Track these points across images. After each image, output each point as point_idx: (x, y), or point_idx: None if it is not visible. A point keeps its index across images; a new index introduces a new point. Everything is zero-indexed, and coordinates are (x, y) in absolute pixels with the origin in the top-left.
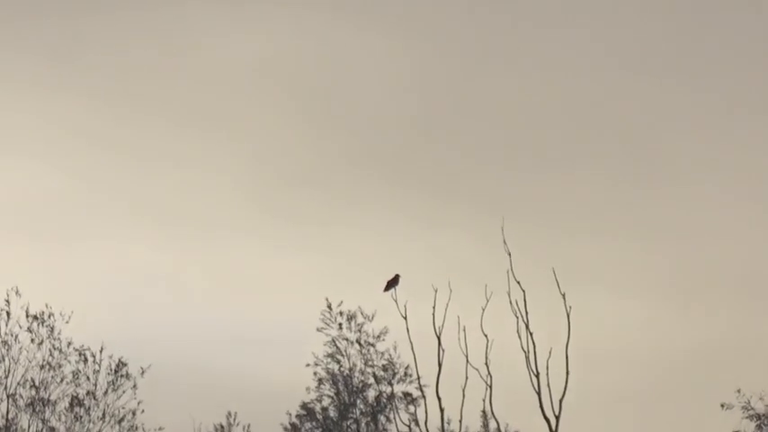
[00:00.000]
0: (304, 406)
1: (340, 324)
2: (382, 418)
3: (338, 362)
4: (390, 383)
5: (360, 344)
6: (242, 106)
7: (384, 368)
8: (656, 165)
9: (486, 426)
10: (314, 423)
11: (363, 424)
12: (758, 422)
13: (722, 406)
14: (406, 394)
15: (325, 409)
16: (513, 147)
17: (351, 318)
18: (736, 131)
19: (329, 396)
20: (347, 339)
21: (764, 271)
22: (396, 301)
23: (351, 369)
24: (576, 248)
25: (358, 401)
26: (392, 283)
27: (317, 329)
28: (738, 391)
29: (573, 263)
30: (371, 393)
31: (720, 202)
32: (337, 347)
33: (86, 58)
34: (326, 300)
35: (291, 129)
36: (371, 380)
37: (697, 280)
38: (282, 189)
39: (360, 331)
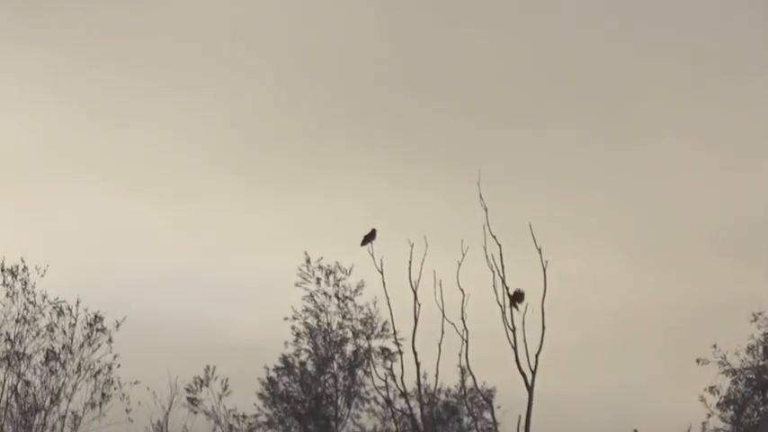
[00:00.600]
0: (283, 359)
1: (318, 279)
2: (360, 373)
3: (316, 316)
4: (368, 338)
5: (338, 298)
6: (213, 67)
7: (362, 322)
8: (627, 121)
9: (463, 381)
10: (291, 377)
11: (341, 378)
12: (734, 377)
13: (698, 361)
14: (384, 349)
15: (302, 364)
16: (486, 105)
17: (329, 272)
18: (701, 90)
19: (307, 350)
20: (325, 294)
21: (737, 227)
22: (372, 256)
23: (329, 323)
24: (552, 204)
25: (336, 356)
26: (369, 237)
27: (296, 284)
28: (714, 346)
29: (549, 218)
30: (349, 348)
31: (692, 158)
32: (315, 302)
33: (56, 13)
34: (305, 254)
35: (263, 90)
36: (349, 334)
37: (672, 236)
38: (255, 149)
39: (338, 286)
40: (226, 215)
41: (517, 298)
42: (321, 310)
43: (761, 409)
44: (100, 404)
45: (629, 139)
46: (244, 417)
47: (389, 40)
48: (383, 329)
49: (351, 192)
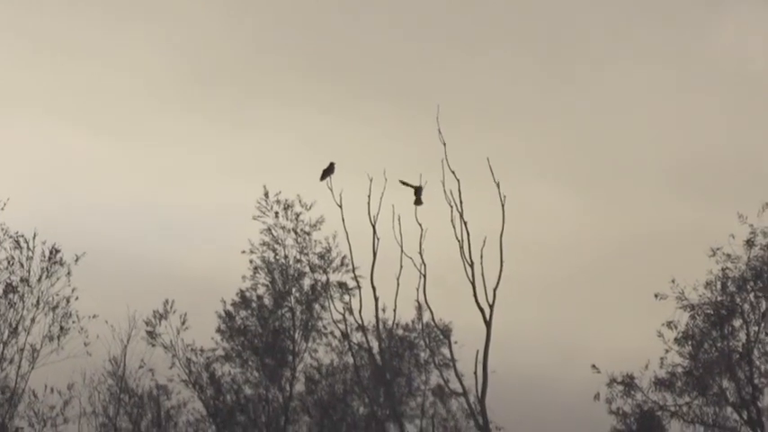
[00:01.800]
0: (241, 294)
1: (276, 213)
2: (317, 307)
3: (274, 250)
4: (326, 272)
5: (296, 232)
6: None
7: (320, 257)
8: (575, 51)
9: (419, 316)
10: (249, 311)
11: (298, 312)
12: (692, 312)
13: (656, 296)
14: (341, 284)
15: (260, 298)
16: (442, 35)
17: (287, 206)
18: (650, 14)
19: (264, 284)
20: (283, 228)
21: (692, 159)
22: (331, 190)
23: (286, 257)
24: (510, 138)
25: (293, 290)
26: (327, 171)
27: (253, 217)
28: (673, 281)
29: (507, 152)
30: (307, 282)
31: (644, 86)
32: (273, 236)
33: None
34: (264, 188)
35: (210, 23)
36: (307, 269)
37: (625, 168)
38: (203, 82)
39: (296, 220)
40: (174, 148)
41: (417, 192)
42: (279, 244)
43: (719, 344)
44: (58, 337)
45: (579, 69)
46: (202, 351)
47: None
48: (342, 264)
49: (303, 126)
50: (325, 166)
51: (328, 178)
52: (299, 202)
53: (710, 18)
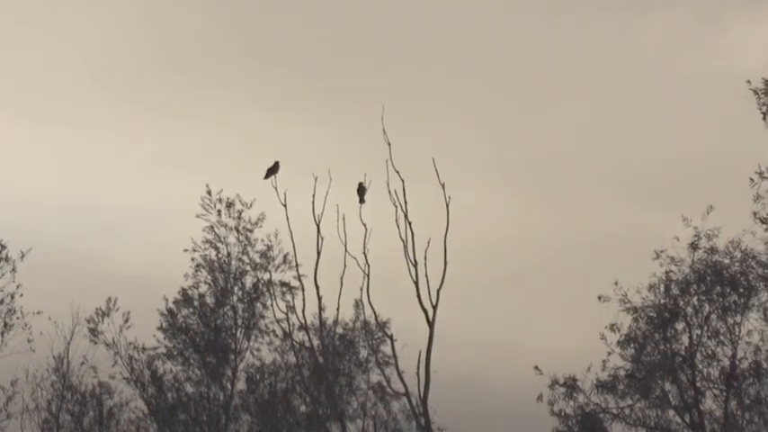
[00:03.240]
0: (183, 292)
1: (219, 211)
2: (259, 306)
3: (216, 248)
4: (268, 270)
5: (238, 231)
6: None
7: (262, 254)
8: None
9: (357, 315)
10: (191, 309)
11: (240, 311)
12: (635, 315)
13: (599, 298)
14: (284, 283)
15: (201, 296)
16: (384, 35)
17: (229, 204)
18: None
19: (206, 283)
20: (225, 226)
21: (635, 162)
22: (275, 189)
23: (228, 255)
24: (456, 137)
25: (235, 288)
26: (272, 170)
27: (196, 215)
28: (616, 283)
29: (453, 153)
30: (249, 280)
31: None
32: (216, 234)
33: None
34: (206, 186)
35: (145, 12)
36: (249, 267)
37: (571, 171)
38: (138, 73)
39: (239, 218)
40: (113, 141)
41: (360, 191)
42: (221, 242)
43: (661, 347)
44: (2, 333)
45: (523, 69)
46: (144, 348)
47: None
48: (284, 262)
49: (245, 122)
50: (270, 164)
51: (273, 177)
52: (240, 200)
53: (638, 20)
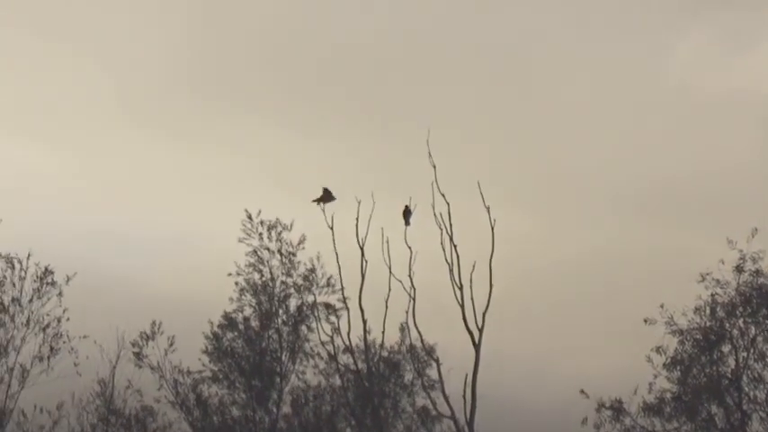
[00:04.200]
0: (226, 316)
1: (260, 234)
2: (304, 329)
3: (260, 272)
4: (312, 293)
5: (281, 254)
6: (109, 17)
7: (305, 277)
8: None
9: (403, 338)
10: (236, 333)
11: (285, 334)
12: (681, 337)
13: (645, 321)
14: (327, 305)
15: (246, 319)
16: (433, 57)
17: (271, 228)
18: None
19: (251, 306)
20: (268, 249)
21: (678, 182)
22: (323, 212)
23: (272, 278)
24: (502, 163)
25: (280, 311)
26: (324, 198)
27: (239, 240)
28: (661, 306)
29: (498, 177)
30: (293, 303)
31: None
32: (259, 257)
33: None
34: (246, 211)
35: (170, 36)
36: (293, 290)
37: (613, 193)
38: (171, 98)
39: (280, 241)
40: (140, 166)
41: (406, 214)
42: (264, 265)
43: (707, 370)
44: (48, 358)
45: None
46: (189, 372)
47: None
48: (327, 284)
49: (287, 147)
50: (320, 191)
51: (322, 203)
52: (280, 223)
53: (667, 40)
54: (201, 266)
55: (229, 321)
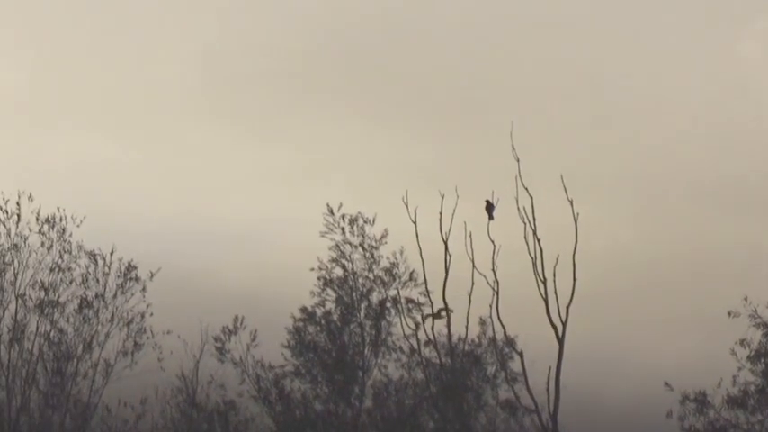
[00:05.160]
0: (306, 311)
1: (342, 228)
2: (386, 323)
3: (342, 266)
4: (396, 288)
5: (363, 248)
6: (184, 9)
7: (387, 271)
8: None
9: (484, 331)
10: (318, 327)
11: (367, 327)
12: (765, 330)
13: (729, 314)
14: (409, 300)
15: (328, 313)
16: (518, 52)
17: (353, 222)
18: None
19: (333, 300)
20: (350, 244)
21: (746, 177)
22: (406, 206)
23: (354, 273)
24: (586, 156)
25: (362, 305)
26: (489, 208)
27: (321, 234)
28: (745, 299)
29: (581, 170)
30: (375, 297)
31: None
32: (341, 252)
33: None
34: (327, 205)
35: (239, 30)
36: (374, 284)
37: (694, 186)
38: (242, 88)
39: (363, 235)
40: (212, 158)
41: (489, 209)
42: (347, 260)
43: None
44: (132, 352)
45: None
46: (271, 366)
47: None
48: (410, 279)
49: (370, 141)
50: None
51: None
52: (362, 217)
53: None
54: (283, 260)
55: (308, 315)
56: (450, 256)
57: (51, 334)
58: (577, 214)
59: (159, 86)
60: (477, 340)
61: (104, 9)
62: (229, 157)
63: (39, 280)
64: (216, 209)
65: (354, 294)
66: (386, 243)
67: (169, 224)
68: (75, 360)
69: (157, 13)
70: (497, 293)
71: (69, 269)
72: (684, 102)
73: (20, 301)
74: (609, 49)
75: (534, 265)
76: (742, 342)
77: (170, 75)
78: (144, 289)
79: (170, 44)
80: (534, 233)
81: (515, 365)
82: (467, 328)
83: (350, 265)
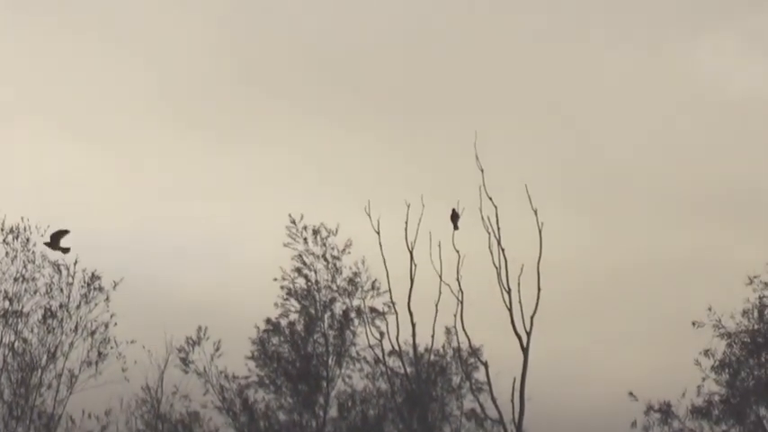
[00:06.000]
0: (269, 321)
1: (305, 239)
2: (350, 333)
3: (305, 276)
4: (361, 298)
5: (326, 258)
6: (154, 19)
7: (350, 281)
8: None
9: (449, 341)
10: (281, 338)
11: (331, 338)
12: (729, 340)
13: (693, 324)
14: (373, 309)
15: (292, 324)
16: (482, 62)
17: (316, 232)
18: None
19: (296, 310)
20: (313, 254)
21: (718, 184)
22: (369, 216)
23: (317, 283)
24: (549, 166)
25: (326, 316)
26: (454, 217)
27: (284, 245)
28: (709, 308)
29: (545, 180)
30: (338, 307)
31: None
32: (304, 262)
33: None
34: (289, 216)
35: (217, 29)
36: (337, 294)
37: (651, 195)
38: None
39: (325, 246)
40: (182, 170)
41: (454, 218)
42: (310, 270)
43: (756, 372)
44: (96, 363)
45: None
46: (235, 377)
47: None
48: (372, 288)
49: (331, 149)
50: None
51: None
52: (325, 227)
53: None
54: (245, 270)
55: (273, 326)
56: (415, 265)
57: (15, 344)
58: (542, 224)
59: (120, 94)
60: (442, 350)
61: (60, 13)
62: (191, 166)
63: (2, 290)
64: (178, 218)
65: (318, 305)
66: (349, 253)
67: (132, 233)
68: (40, 370)
69: (118, 19)
70: (462, 303)
71: (33, 279)
72: (645, 112)
73: None
74: (571, 60)
75: (499, 274)
76: (706, 352)
77: (131, 82)
78: (107, 299)
79: (130, 51)
80: (498, 243)
81: (480, 375)
82: (432, 337)
83: (313, 276)
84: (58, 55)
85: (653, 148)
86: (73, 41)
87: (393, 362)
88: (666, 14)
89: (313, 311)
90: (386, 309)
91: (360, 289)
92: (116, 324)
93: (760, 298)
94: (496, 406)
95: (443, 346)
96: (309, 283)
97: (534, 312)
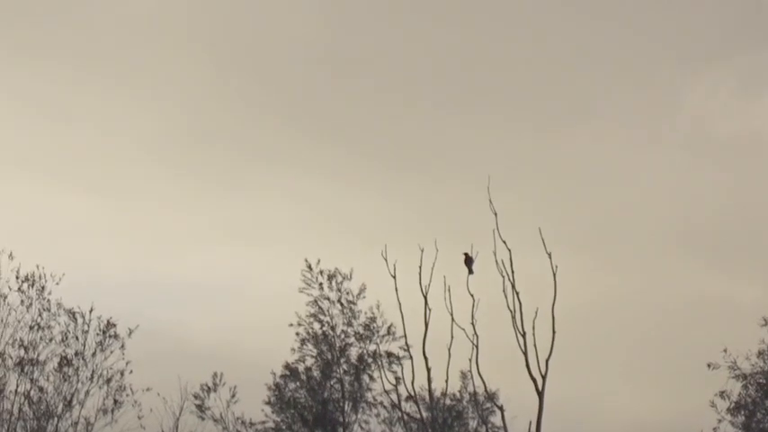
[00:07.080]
0: (287, 366)
1: (321, 284)
2: (366, 378)
3: (320, 321)
4: (376, 342)
5: (341, 303)
6: (147, 61)
7: (365, 326)
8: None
9: (465, 385)
10: (298, 383)
11: (347, 383)
12: (744, 382)
13: (709, 366)
14: (389, 354)
15: (308, 369)
16: (493, 105)
17: (331, 277)
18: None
19: (312, 356)
20: (328, 299)
21: (723, 228)
22: (385, 260)
23: (333, 328)
24: (563, 209)
25: (341, 360)
26: (469, 262)
27: (299, 290)
28: (725, 350)
29: (558, 223)
30: (354, 352)
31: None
32: (320, 307)
33: None
34: (305, 261)
35: (202, 84)
36: (353, 339)
37: (675, 237)
38: (205, 147)
39: (340, 290)
40: (197, 218)
41: (468, 262)
42: (325, 315)
43: None
44: (112, 410)
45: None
46: (251, 423)
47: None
48: (388, 333)
49: (339, 199)
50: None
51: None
52: (339, 273)
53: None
54: (259, 314)
55: (291, 371)
56: (429, 309)
57: (31, 393)
58: (556, 267)
59: (129, 144)
60: (458, 395)
61: (56, 57)
62: (205, 212)
63: (18, 338)
64: (193, 265)
65: (333, 350)
66: (364, 297)
67: (145, 279)
68: (56, 419)
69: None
70: (477, 347)
71: (49, 327)
72: (655, 151)
73: None
74: (581, 107)
75: (513, 318)
76: (722, 394)
77: (137, 129)
78: (123, 346)
79: (125, 96)
80: (513, 286)
81: (496, 419)
82: (447, 382)
83: (329, 321)
84: (64, 110)
85: (667, 191)
86: (83, 93)
87: (409, 407)
88: (661, 53)
89: (329, 356)
90: (401, 353)
91: (375, 333)
92: (131, 372)
93: None
94: None
95: (459, 391)
96: (324, 329)
97: (549, 355)
